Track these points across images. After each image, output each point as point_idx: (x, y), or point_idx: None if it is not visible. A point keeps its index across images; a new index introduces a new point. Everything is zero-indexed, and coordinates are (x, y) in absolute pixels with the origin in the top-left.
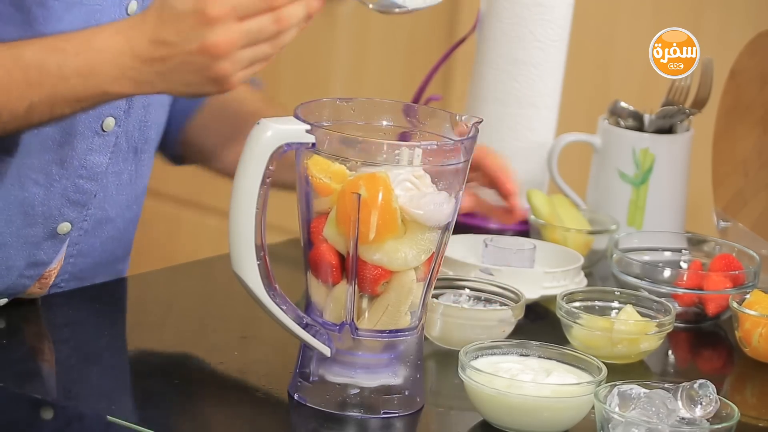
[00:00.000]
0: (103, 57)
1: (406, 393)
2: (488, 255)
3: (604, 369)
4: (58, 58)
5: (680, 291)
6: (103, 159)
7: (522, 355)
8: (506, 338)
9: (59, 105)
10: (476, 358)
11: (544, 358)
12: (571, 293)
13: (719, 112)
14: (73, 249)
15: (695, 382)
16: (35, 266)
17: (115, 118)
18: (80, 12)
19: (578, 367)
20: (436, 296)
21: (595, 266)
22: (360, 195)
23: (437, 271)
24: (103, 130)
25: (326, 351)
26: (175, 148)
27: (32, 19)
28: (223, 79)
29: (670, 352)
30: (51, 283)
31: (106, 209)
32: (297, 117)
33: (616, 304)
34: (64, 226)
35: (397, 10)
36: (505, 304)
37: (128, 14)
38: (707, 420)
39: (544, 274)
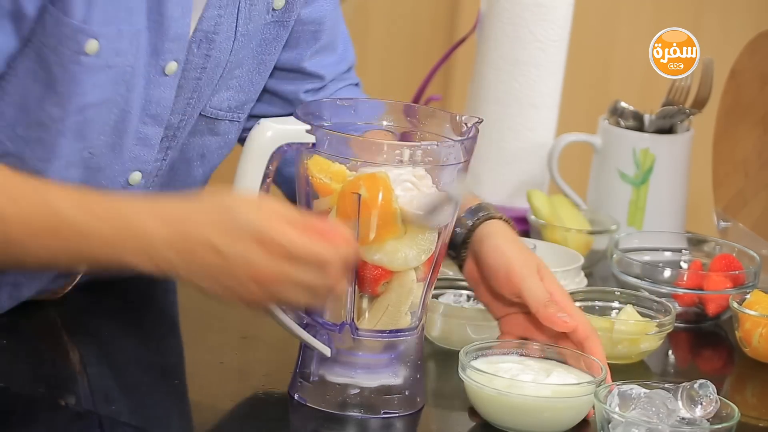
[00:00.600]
0: (133, 234)
1: (406, 393)
2: None
3: (605, 369)
4: (87, 220)
5: (680, 291)
6: None
7: (522, 355)
8: (506, 338)
9: (80, 262)
10: (476, 358)
11: (544, 358)
12: (571, 293)
13: (719, 112)
14: None
15: (695, 382)
16: (59, 279)
17: (142, 173)
18: (107, 75)
19: (578, 367)
20: (436, 296)
21: (595, 266)
22: (360, 195)
23: (437, 271)
24: (129, 184)
25: (326, 351)
26: None
27: (53, 80)
28: (250, 301)
29: (670, 352)
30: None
31: None
32: (297, 117)
33: (616, 304)
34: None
35: None
36: None
37: (166, 74)
38: (707, 420)
39: None
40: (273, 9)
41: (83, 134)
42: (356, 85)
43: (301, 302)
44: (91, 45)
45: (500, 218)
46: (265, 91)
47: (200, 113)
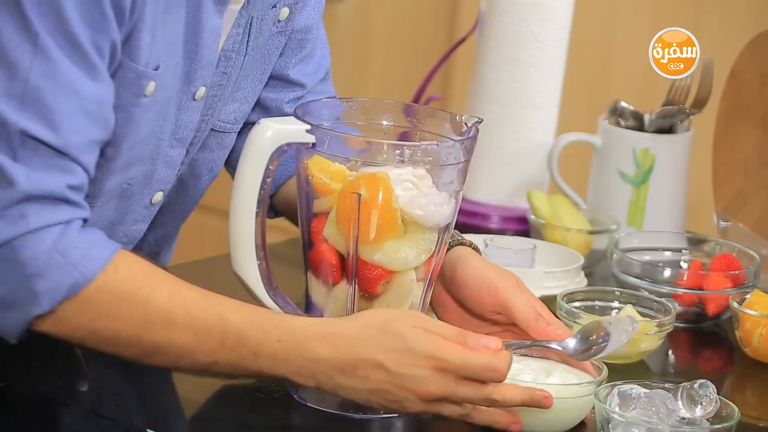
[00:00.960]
0: (302, 356)
1: None
2: (488, 255)
3: (605, 369)
4: (260, 336)
5: (680, 291)
6: (144, 226)
7: (522, 355)
8: (506, 339)
9: (240, 371)
10: None
11: (544, 358)
12: (571, 293)
13: (719, 112)
14: None
15: (695, 382)
16: None
17: (163, 192)
18: (153, 110)
19: (578, 368)
20: None
21: (595, 266)
22: (360, 195)
23: (437, 271)
24: (152, 203)
25: None
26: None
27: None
28: (407, 412)
29: (670, 352)
30: None
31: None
32: (297, 117)
33: (616, 304)
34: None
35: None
36: None
37: (195, 100)
38: (707, 420)
39: (544, 274)
40: (278, 20)
41: (129, 168)
42: (333, 99)
43: (459, 414)
44: (151, 87)
45: (468, 245)
46: None
47: (212, 129)
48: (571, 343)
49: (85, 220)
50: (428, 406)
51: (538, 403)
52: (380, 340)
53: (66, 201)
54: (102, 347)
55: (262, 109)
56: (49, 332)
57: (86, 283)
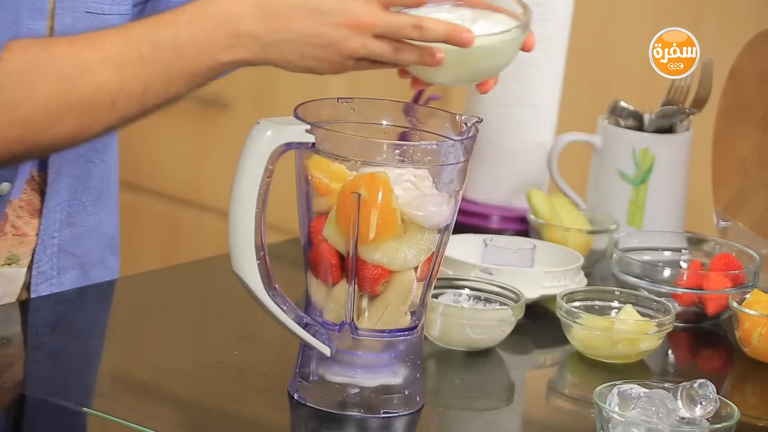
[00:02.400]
0: (219, 23)
1: (406, 393)
2: (488, 255)
3: (530, 10)
4: (171, 30)
5: (680, 291)
6: None
7: (456, 5)
8: None
9: (174, 82)
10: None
11: (472, 8)
12: (571, 293)
13: (719, 112)
14: (52, 221)
15: (695, 382)
16: None
17: None
18: None
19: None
20: (436, 296)
21: (595, 266)
22: (360, 195)
23: (437, 270)
24: None
25: (326, 351)
26: None
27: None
28: (343, 59)
29: (670, 351)
30: (34, 249)
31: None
32: (297, 117)
33: (616, 303)
34: (5, 186)
35: None
36: (505, 304)
37: None
38: (707, 420)
39: (544, 273)
40: None
41: None
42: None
43: (389, 52)
44: None
45: None
46: None
47: (86, 11)
48: None
49: None
50: (361, 42)
51: (458, 37)
52: None
53: None
54: (45, 137)
55: None
56: None
57: None
